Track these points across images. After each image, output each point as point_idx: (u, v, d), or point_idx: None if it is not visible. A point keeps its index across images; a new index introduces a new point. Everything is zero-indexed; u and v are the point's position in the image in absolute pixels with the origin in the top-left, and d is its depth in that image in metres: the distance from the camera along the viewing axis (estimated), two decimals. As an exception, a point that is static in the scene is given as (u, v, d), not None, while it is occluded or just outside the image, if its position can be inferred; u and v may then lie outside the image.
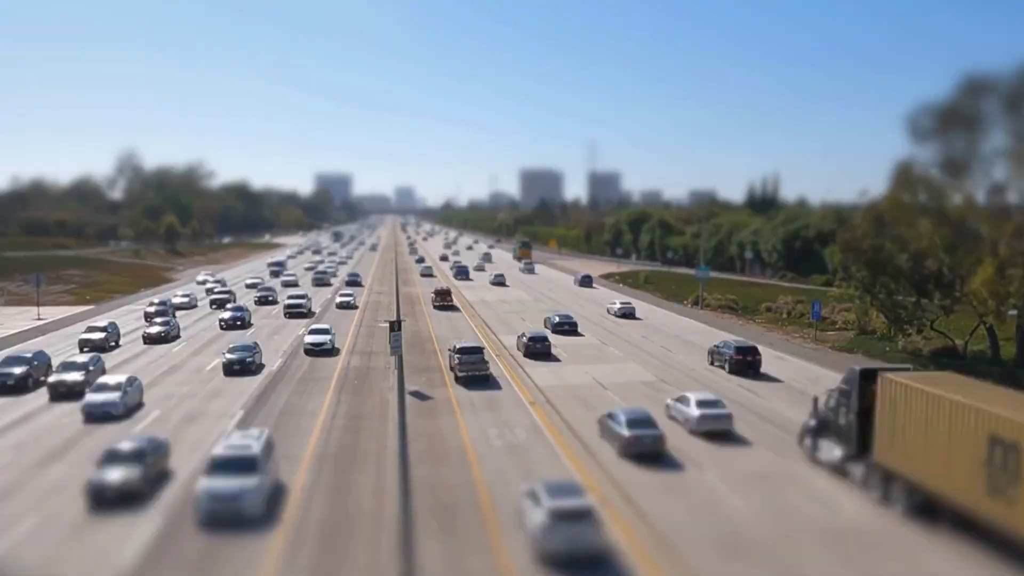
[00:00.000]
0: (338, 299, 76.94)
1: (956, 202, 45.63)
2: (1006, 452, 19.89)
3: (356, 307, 74.17)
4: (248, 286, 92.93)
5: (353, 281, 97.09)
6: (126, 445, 25.56)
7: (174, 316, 62.93)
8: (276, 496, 24.26)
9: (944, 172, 45.52)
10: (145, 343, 53.36)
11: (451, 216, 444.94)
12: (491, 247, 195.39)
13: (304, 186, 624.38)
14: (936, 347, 48.65)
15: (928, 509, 22.58)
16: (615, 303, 72.45)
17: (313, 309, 72.11)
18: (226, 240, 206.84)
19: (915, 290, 47.28)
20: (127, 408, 34.58)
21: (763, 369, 44.36)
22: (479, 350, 43.26)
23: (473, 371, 41.30)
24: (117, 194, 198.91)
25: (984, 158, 43.92)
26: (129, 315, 67.71)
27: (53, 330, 60.96)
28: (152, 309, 65.24)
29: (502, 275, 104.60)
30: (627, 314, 69.44)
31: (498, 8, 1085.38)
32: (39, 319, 66.59)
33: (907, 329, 49.76)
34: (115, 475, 23.91)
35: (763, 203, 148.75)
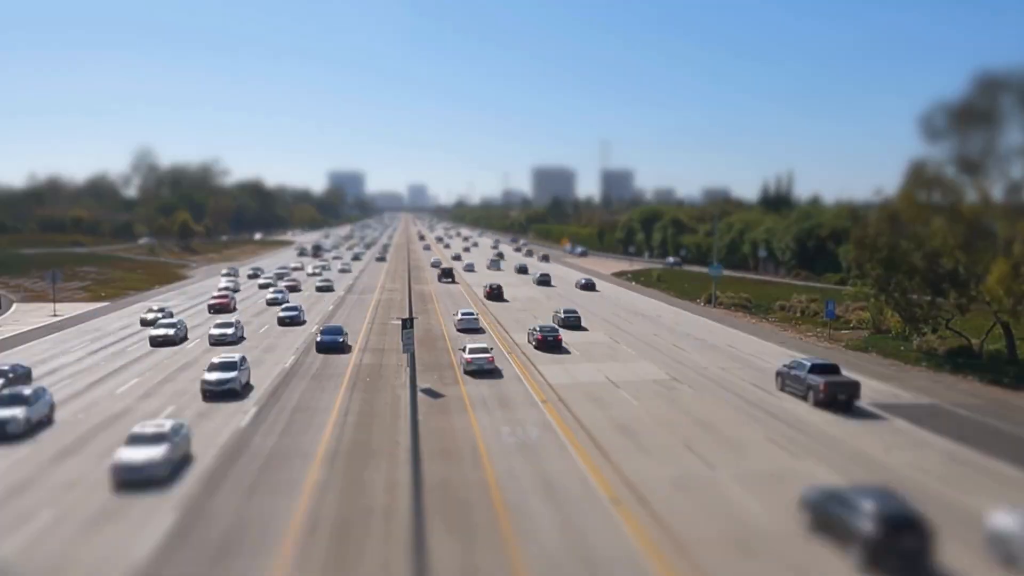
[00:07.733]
0: None
1: (971, 200, 45.23)
2: None
3: None
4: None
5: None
6: None
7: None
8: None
9: (959, 170, 45.13)
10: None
11: (463, 214, 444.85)
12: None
13: (318, 184, 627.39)
14: (951, 346, 48.29)
15: None
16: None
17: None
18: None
19: (930, 289, 46.91)
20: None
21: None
22: None
23: None
24: (132, 192, 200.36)
25: (1000, 156, 43.52)
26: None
27: (69, 326, 61.62)
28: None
29: None
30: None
31: (511, 8, 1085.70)
32: (55, 315, 67.25)
33: (922, 328, 49.40)
34: None
35: (777, 201, 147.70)
